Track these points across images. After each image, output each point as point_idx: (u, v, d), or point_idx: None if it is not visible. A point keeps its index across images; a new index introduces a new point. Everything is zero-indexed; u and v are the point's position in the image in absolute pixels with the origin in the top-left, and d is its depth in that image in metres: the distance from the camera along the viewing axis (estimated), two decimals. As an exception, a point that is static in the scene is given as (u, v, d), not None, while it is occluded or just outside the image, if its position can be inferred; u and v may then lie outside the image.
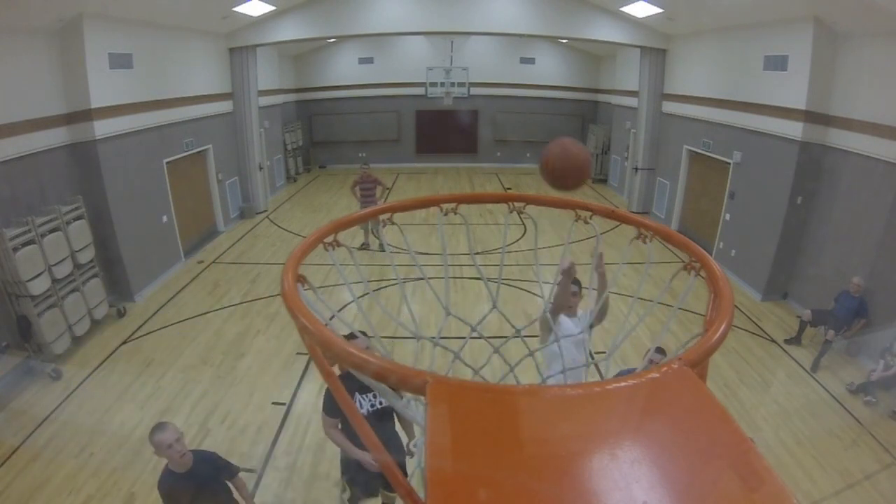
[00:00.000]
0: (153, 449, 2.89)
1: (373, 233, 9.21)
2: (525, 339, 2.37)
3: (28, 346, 5.82)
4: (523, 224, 10.03)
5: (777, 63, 7.59)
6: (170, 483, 2.91)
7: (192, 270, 8.98)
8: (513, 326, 2.35)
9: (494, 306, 2.26)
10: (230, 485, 3.22)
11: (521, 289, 7.94)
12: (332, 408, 3.07)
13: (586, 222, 1.99)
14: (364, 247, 9.40)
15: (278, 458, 4.64)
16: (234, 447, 4.75)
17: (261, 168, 12.31)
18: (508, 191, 13.66)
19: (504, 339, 2.50)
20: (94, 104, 6.90)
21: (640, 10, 10.16)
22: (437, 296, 2.14)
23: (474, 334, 2.21)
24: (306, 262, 1.50)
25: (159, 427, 2.91)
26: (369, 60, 16.59)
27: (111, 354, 6.32)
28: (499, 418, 0.94)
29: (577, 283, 3.54)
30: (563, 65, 16.85)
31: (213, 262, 9.40)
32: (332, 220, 1.78)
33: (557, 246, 9.43)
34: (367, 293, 6.82)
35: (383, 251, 8.99)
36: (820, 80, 6.95)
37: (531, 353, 2.32)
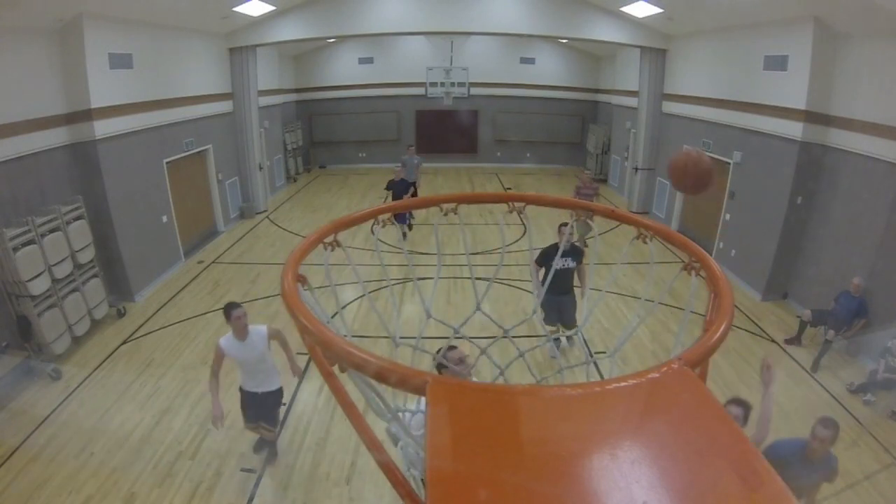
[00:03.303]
0: None
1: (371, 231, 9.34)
2: (513, 339, 2.37)
3: (28, 346, 5.82)
4: (523, 224, 10.00)
5: (777, 63, 7.59)
6: None
7: (192, 270, 8.98)
8: (500, 327, 2.35)
9: (478, 308, 2.26)
10: None
11: (521, 289, 7.94)
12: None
13: (587, 222, 2.00)
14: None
15: (278, 458, 4.64)
16: (234, 447, 4.75)
17: (261, 168, 12.31)
18: (508, 191, 13.66)
19: (492, 339, 2.50)
20: (94, 104, 6.90)
21: (640, 10, 10.16)
22: (423, 299, 2.14)
23: (458, 335, 2.21)
24: (306, 262, 1.50)
25: None
26: (369, 60, 16.59)
27: (111, 354, 6.32)
28: (499, 418, 0.94)
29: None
30: (563, 65, 16.85)
31: (213, 262, 9.40)
32: (332, 219, 1.78)
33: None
34: (365, 294, 6.82)
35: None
36: (820, 80, 6.95)
37: (521, 355, 2.32)
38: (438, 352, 2.72)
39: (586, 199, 9.53)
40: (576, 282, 5.94)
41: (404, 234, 9.69)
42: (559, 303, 5.80)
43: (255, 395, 4.30)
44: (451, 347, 2.85)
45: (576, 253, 5.86)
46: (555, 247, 5.54)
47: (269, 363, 4.29)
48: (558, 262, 5.11)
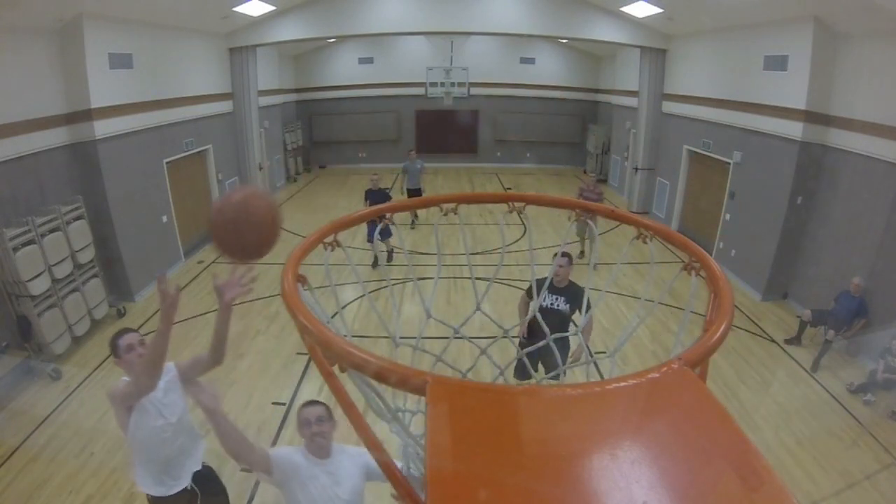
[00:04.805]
0: None
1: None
2: (513, 339, 2.37)
3: (28, 346, 5.82)
4: (524, 224, 10.02)
5: (777, 63, 7.59)
6: None
7: (192, 270, 8.98)
8: (500, 327, 2.35)
9: (478, 308, 2.26)
10: None
11: (521, 288, 7.93)
12: None
13: (587, 222, 2.00)
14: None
15: (278, 458, 4.64)
16: (234, 447, 4.74)
17: (261, 168, 12.31)
18: (508, 191, 13.66)
19: (492, 339, 2.50)
20: (94, 104, 6.90)
21: (640, 10, 10.16)
22: (423, 299, 2.14)
23: (458, 335, 2.21)
24: (306, 262, 1.50)
25: None
26: (369, 60, 16.59)
27: (111, 354, 6.31)
28: (499, 418, 0.94)
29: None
30: (563, 65, 16.84)
31: (213, 262, 9.40)
32: (332, 220, 1.78)
33: (556, 246, 9.42)
34: (365, 294, 6.82)
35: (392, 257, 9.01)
36: (820, 80, 6.95)
37: (521, 355, 2.33)
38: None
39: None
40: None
41: (389, 254, 8.88)
42: (539, 351, 2.80)
43: (186, 493, 2.81)
44: (311, 402, 2.53)
45: (572, 294, 4.20)
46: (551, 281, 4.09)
47: (187, 420, 2.89)
48: (546, 299, 4.10)
